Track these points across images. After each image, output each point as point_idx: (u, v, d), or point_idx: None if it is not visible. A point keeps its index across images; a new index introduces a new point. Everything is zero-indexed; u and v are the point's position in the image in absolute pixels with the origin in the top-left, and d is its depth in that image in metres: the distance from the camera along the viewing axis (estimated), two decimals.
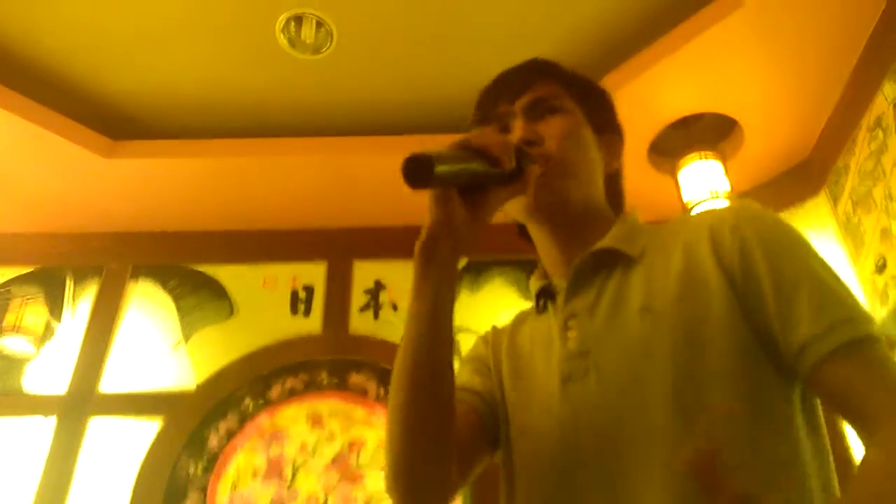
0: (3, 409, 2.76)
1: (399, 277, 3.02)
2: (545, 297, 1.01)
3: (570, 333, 0.91)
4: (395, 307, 2.96)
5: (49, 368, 2.85)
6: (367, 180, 2.93)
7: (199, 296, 3.04)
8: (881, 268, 2.40)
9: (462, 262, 2.96)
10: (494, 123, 1.02)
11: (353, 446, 2.63)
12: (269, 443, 2.65)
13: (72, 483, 2.57)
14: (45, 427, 2.69)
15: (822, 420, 0.85)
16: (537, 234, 1.03)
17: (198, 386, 2.79)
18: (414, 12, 2.58)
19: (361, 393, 2.74)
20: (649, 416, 0.80)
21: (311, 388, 2.76)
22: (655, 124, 2.76)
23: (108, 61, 2.72)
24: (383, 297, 2.99)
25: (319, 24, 2.57)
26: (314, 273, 3.08)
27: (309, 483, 2.57)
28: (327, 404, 2.73)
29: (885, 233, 2.38)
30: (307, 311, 2.99)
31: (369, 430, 2.66)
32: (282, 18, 2.56)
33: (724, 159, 2.81)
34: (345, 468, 2.60)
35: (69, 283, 3.07)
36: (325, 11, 2.55)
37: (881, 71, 2.42)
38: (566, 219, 0.99)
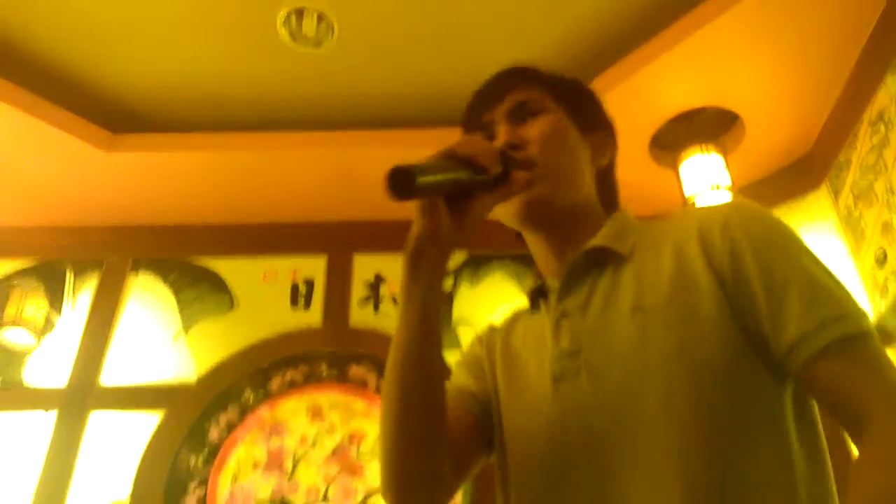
0: (3, 403, 2.76)
1: (399, 271, 3.01)
2: (539, 296, 1.02)
3: (563, 332, 0.92)
4: (395, 300, 2.96)
5: (49, 361, 2.85)
6: (368, 174, 2.92)
7: (199, 289, 3.04)
8: (882, 262, 2.40)
9: (462, 256, 2.99)
10: (480, 132, 1.02)
11: (353, 438, 2.64)
12: (269, 435, 2.65)
13: (73, 476, 2.57)
14: (45, 421, 2.69)
15: (818, 418, 0.84)
16: (529, 237, 1.04)
17: (198, 378, 2.80)
18: (415, 6, 2.57)
19: (361, 385, 2.75)
20: (639, 415, 0.81)
21: (311, 380, 2.76)
22: (657, 118, 2.76)
23: (109, 54, 2.72)
24: (383, 290, 2.99)
25: (320, 18, 2.57)
26: (314, 266, 3.08)
27: (309, 475, 2.58)
28: (327, 396, 2.73)
29: (886, 227, 2.38)
30: (307, 304, 2.99)
31: (369, 423, 2.67)
32: (283, 12, 2.55)
33: (725, 153, 2.81)
34: (345, 460, 2.60)
35: (69, 276, 3.07)
36: (326, 5, 2.55)
37: (883, 65, 2.41)
38: (555, 221, 0.99)
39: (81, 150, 2.83)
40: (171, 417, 2.69)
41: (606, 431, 0.82)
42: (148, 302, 3.02)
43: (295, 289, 3.03)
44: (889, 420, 0.72)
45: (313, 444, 2.63)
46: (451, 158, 0.83)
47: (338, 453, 2.61)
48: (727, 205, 0.93)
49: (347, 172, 2.95)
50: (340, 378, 2.76)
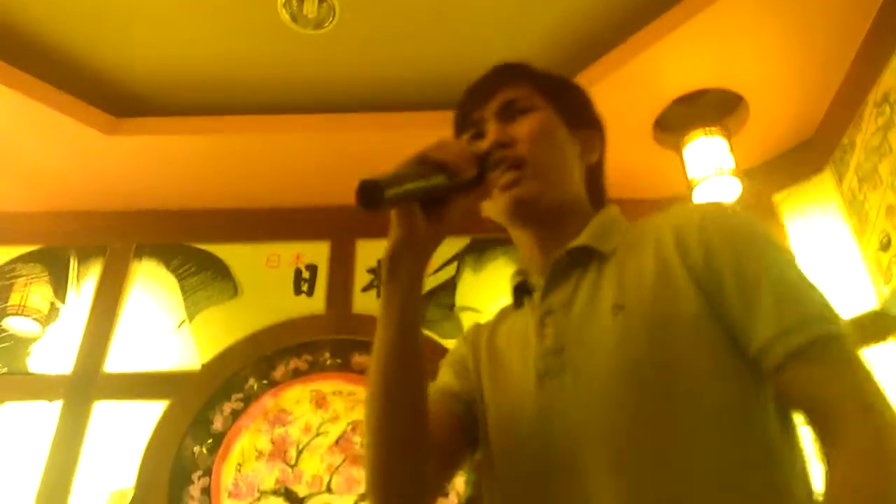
0: (9, 392, 2.77)
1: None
2: (523, 293, 1.03)
3: (547, 330, 0.92)
4: None
5: (54, 349, 2.85)
6: (370, 157, 2.90)
7: (202, 275, 3.04)
8: (886, 245, 2.39)
9: (465, 242, 2.98)
10: (470, 130, 1.04)
11: (357, 427, 2.64)
12: (273, 424, 2.66)
13: (78, 465, 2.58)
14: (50, 410, 2.70)
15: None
16: (516, 233, 1.05)
17: (202, 366, 2.80)
18: None
19: (365, 373, 2.74)
20: (621, 413, 0.81)
21: (315, 368, 2.76)
22: (660, 100, 2.74)
23: (110, 37, 2.70)
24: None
25: (321, 0, 2.55)
26: (318, 252, 3.08)
27: (313, 464, 2.58)
28: (331, 385, 2.73)
29: (890, 209, 2.37)
30: (310, 291, 2.99)
31: None
32: None
33: (729, 136, 2.80)
34: (349, 449, 2.60)
35: (73, 263, 3.07)
36: None
37: (888, 46, 2.39)
38: (542, 218, 1.00)
39: (83, 134, 2.82)
40: (176, 406, 2.69)
41: (588, 429, 0.83)
42: (152, 289, 3.02)
43: (298, 274, 3.03)
44: (859, 422, 0.73)
45: (317, 433, 2.64)
46: (424, 164, 0.84)
47: (342, 442, 2.62)
48: (704, 205, 0.95)
49: (350, 156, 2.94)
50: (344, 366, 2.76)
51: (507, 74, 1.07)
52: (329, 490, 2.54)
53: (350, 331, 2.84)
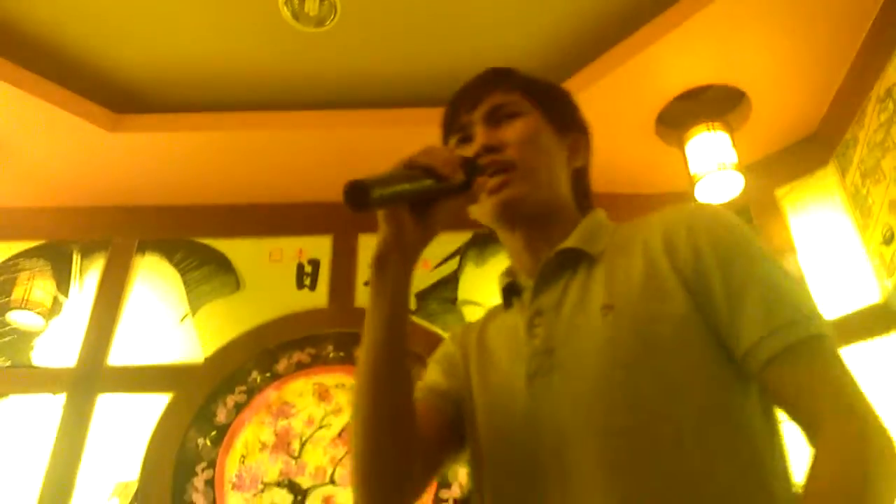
0: (13, 385, 2.78)
1: None
2: (512, 294, 1.04)
3: (537, 330, 0.94)
4: None
5: (58, 342, 2.86)
6: (372, 153, 2.91)
7: (205, 270, 3.04)
8: (889, 239, 2.39)
9: (468, 236, 2.99)
10: (458, 134, 1.06)
11: None
12: (276, 416, 2.67)
13: (82, 458, 2.59)
14: (54, 403, 2.71)
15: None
16: (504, 235, 1.07)
17: (206, 359, 2.81)
18: None
19: None
20: (610, 412, 0.83)
21: (318, 361, 2.77)
22: (663, 96, 2.74)
23: (111, 34, 2.71)
24: None
25: None
26: (320, 246, 3.08)
27: (316, 456, 2.59)
28: (334, 377, 2.74)
29: (893, 204, 2.37)
30: (313, 285, 3.00)
31: None
32: None
33: (731, 131, 2.80)
34: None
35: (76, 258, 3.07)
36: None
37: (892, 41, 2.39)
38: (529, 220, 1.01)
39: (85, 131, 2.82)
40: (179, 399, 2.70)
41: (576, 429, 0.84)
42: (155, 283, 3.03)
43: (301, 269, 3.03)
44: (840, 419, 0.74)
45: (320, 426, 2.65)
46: (412, 168, 0.85)
47: (345, 434, 2.63)
48: (692, 207, 0.96)
49: (351, 152, 2.94)
50: (346, 359, 2.76)
51: (495, 80, 1.09)
52: (332, 482, 2.55)
53: (352, 324, 2.84)
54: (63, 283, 3.01)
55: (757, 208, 2.92)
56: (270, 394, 2.71)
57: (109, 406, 2.71)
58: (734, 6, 2.41)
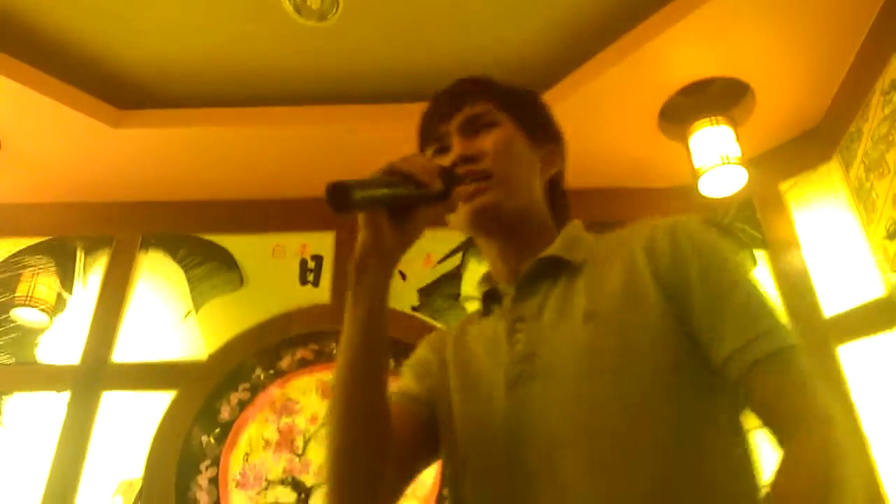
0: (18, 382, 2.78)
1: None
2: (491, 301, 1.06)
3: (518, 336, 0.95)
4: (403, 276, 2.96)
5: (62, 339, 2.87)
6: (375, 148, 2.89)
7: (208, 266, 3.05)
8: (893, 233, 2.38)
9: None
10: (434, 144, 1.08)
11: None
12: (280, 414, 2.67)
13: (86, 455, 2.60)
14: (59, 401, 2.71)
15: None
16: (482, 242, 1.09)
17: (209, 356, 2.81)
18: None
19: None
20: (592, 418, 0.85)
21: (322, 358, 2.77)
22: (666, 90, 2.73)
23: (114, 29, 2.71)
24: None
25: None
26: (323, 242, 3.08)
27: (320, 453, 2.59)
28: None
29: None
30: (316, 281, 2.99)
31: None
32: None
33: (735, 125, 2.78)
34: None
35: (80, 254, 3.08)
36: None
37: None
38: (504, 229, 1.03)
39: (89, 127, 2.82)
40: (183, 396, 2.71)
41: (559, 433, 0.85)
42: (158, 280, 3.03)
43: (304, 265, 3.03)
44: (809, 426, 0.78)
45: (324, 423, 2.64)
46: (393, 174, 0.88)
47: None
48: (673, 219, 0.98)
49: (354, 147, 2.93)
50: None
51: (471, 90, 1.10)
52: None
53: None
54: (67, 279, 3.01)
55: (760, 202, 2.91)
56: (274, 391, 2.71)
57: (113, 403, 2.72)
58: None
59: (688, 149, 2.79)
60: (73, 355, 2.81)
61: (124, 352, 2.84)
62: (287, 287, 2.98)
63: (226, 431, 2.64)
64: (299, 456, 2.59)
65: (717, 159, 2.68)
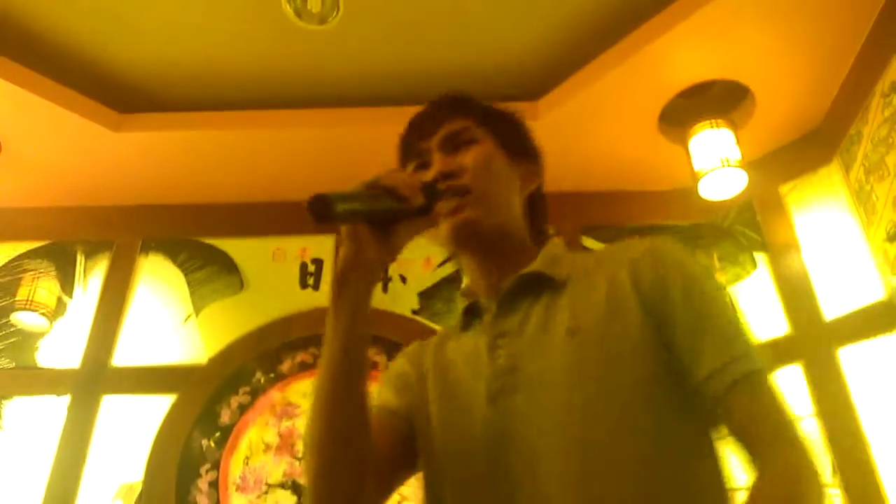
0: (18, 386, 2.78)
1: (407, 250, 3.01)
2: (471, 315, 1.06)
3: (500, 351, 0.96)
4: (403, 280, 2.96)
5: (62, 343, 2.87)
6: (375, 152, 2.89)
7: (209, 270, 3.04)
8: (893, 236, 2.38)
9: None
10: (415, 160, 1.09)
11: None
12: (280, 417, 2.67)
13: (86, 459, 2.60)
14: (59, 405, 2.71)
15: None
16: (463, 258, 1.10)
17: (209, 360, 2.81)
18: None
19: (371, 367, 2.75)
20: (575, 429, 0.86)
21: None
22: (665, 93, 2.73)
23: (115, 33, 2.71)
24: (391, 270, 2.98)
25: None
26: (323, 246, 3.08)
27: None
28: None
29: None
30: (316, 285, 2.99)
31: None
32: None
33: (735, 127, 2.79)
34: None
35: (80, 258, 3.08)
36: None
37: (895, 37, 2.38)
38: (484, 245, 1.04)
39: (89, 130, 2.83)
40: (183, 400, 2.70)
41: (540, 446, 0.86)
42: (158, 283, 3.03)
43: (304, 268, 3.03)
44: (777, 447, 0.81)
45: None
46: (375, 188, 0.89)
47: None
48: (655, 239, 1.00)
49: (355, 150, 2.93)
50: None
51: (451, 107, 1.12)
52: None
53: None
54: (67, 283, 3.01)
55: (760, 205, 2.91)
56: (274, 394, 2.71)
57: (113, 407, 2.71)
58: (737, 2, 2.40)
59: (688, 151, 2.79)
60: (73, 359, 2.81)
61: (124, 355, 2.83)
62: (287, 290, 2.98)
63: (226, 435, 2.63)
64: (300, 460, 2.58)
65: (717, 162, 2.68)
